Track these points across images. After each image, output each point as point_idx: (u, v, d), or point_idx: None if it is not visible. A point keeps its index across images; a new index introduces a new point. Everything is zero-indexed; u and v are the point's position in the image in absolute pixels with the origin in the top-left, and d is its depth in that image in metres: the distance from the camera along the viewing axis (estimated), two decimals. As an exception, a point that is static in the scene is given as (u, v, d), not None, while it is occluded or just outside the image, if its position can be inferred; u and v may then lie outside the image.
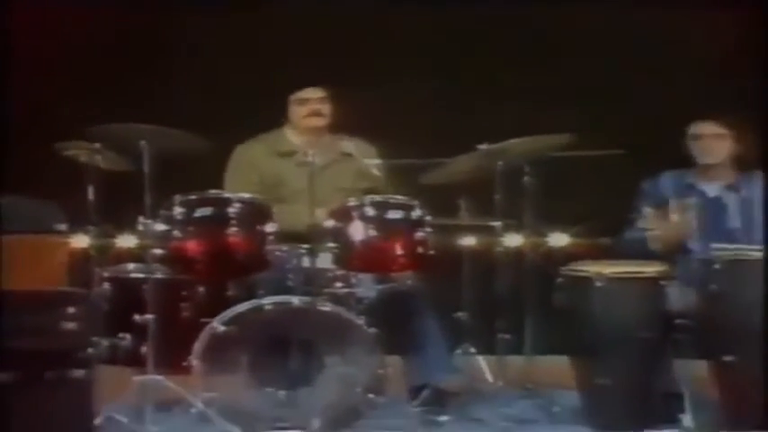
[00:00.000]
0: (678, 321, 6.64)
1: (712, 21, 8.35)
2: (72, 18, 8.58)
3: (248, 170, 7.37)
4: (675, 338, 6.66)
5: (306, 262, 6.76)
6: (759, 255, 6.58)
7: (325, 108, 7.37)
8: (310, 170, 6.96)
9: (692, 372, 6.69)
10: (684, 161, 7.14)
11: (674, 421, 6.53)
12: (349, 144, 7.33)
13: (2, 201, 6.03)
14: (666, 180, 7.10)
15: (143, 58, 8.59)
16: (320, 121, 7.35)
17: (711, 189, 7.06)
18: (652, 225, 6.88)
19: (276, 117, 7.47)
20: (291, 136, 7.42)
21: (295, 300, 6.56)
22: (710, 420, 6.56)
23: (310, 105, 7.35)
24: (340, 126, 7.41)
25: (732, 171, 7.08)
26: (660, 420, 6.56)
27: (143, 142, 6.70)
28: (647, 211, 6.91)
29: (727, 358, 6.42)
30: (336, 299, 6.68)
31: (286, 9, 8.60)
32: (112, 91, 8.26)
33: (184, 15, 8.58)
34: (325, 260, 6.75)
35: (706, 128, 7.03)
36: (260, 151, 7.42)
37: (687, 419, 6.52)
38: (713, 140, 7.02)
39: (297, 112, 7.38)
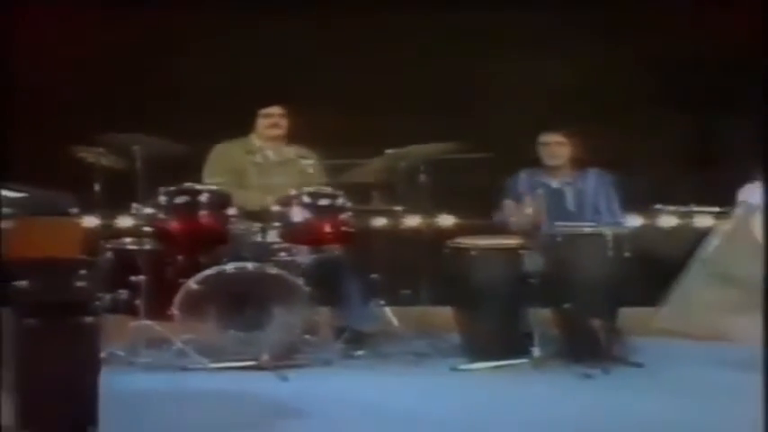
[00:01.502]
0: (531, 279, 6.69)
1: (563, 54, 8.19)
2: (74, 41, 8.23)
3: (222, 162, 7.33)
4: (528, 291, 6.70)
5: (258, 237, 6.92)
6: (589, 230, 6.77)
7: (283, 122, 7.37)
8: (264, 167, 7.27)
9: (540, 315, 6.76)
10: (535, 162, 7.19)
11: (527, 353, 6.63)
12: (293, 149, 7.38)
13: (28, 191, 5.62)
14: (522, 177, 7.16)
15: (138, 77, 8.34)
16: (278, 131, 7.37)
17: (555, 183, 7.14)
18: (510, 211, 6.95)
19: (248, 126, 7.40)
20: (256, 140, 7.40)
21: (249, 265, 6.68)
22: (553, 352, 6.69)
23: (271, 119, 7.37)
24: (291, 135, 7.40)
25: (570, 170, 7.16)
26: (517, 352, 6.65)
27: (136, 147, 6.80)
28: (508, 201, 7.00)
29: (566, 306, 6.63)
30: (281, 265, 6.77)
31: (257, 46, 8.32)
32: (112, 104, 8.06)
33: (171, 43, 8.31)
34: (272, 235, 6.89)
35: (551, 137, 7.15)
36: (232, 149, 7.39)
37: (536, 351, 6.62)
38: (556, 147, 7.13)
39: (261, 123, 7.38)
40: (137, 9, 8.14)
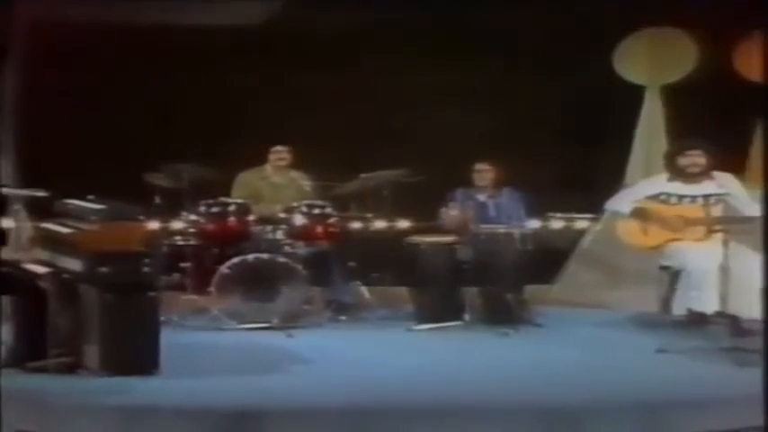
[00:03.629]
0: (463, 265, 6.67)
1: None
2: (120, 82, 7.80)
3: (244, 184, 7.20)
4: (461, 274, 6.66)
5: (270, 235, 6.83)
6: (503, 230, 6.68)
7: (286, 155, 7.23)
8: (274, 187, 7.23)
9: (470, 291, 6.74)
10: (469, 183, 7.10)
11: (460, 318, 6.62)
12: (295, 174, 7.27)
13: (108, 203, 5.67)
14: (459, 193, 7.01)
15: (184, 123, 7.90)
16: (283, 163, 7.24)
17: (481, 198, 7.02)
18: (449, 217, 6.83)
19: (260, 158, 7.30)
20: (268, 168, 7.28)
21: (264, 255, 6.62)
22: (479, 317, 6.66)
23: (278, 155, 7.24)
24: (292, 164, 7.28)
25: (492, 189, 7.03)
26: (453, 317, 6.62)
27: (184, 172, 6.84)
28: (448, 209, 6.86)
29: (490, 285, 6.61)
30: (286, 255, 6.69)
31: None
32: (168, 142, 7.58)
33: (208, 102, 7.89)
34: (279, 234, 6.82)
35: (481, 166, 7.04)
36: (251, 176, 7.25)
37: (467, 317, 6.64)
38: (484, 172, 7.02)
39: (271, 157, 7.25)
40: (190, 73, 7.91)
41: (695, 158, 6.39)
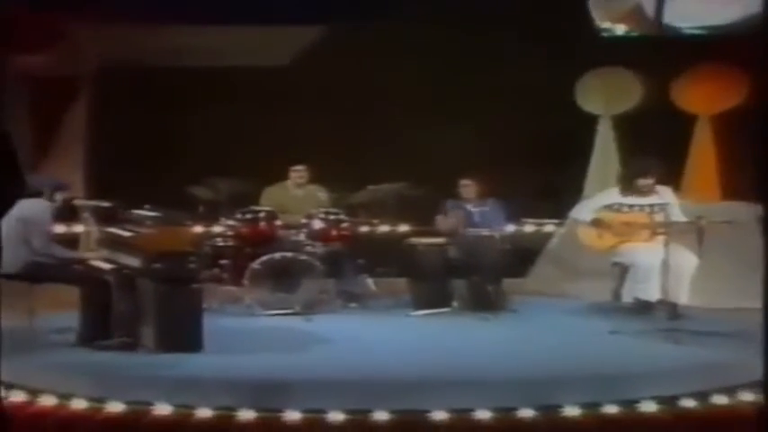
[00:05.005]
0: (453, 262, 6.63)
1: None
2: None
3: (271, 196, 7.10)
4: (451, 269, 6.63)
5: (293, 238, 6.78)
6: (486, 234, 6.58)
7: (305, 173, 7.14)
8: (295, 199, 7.11)
9: (458, 283, 6.62)
10: (458, 196, 6.93)
11: (449, 305, 6.58)
12: (313, 187, 7.18)
13: (161, 211, 5.75)
14: (450, 203, 6.87)
15: (223, 146, 7.81)
16: (302, 179, 7.15)
17: (468, 207, 6.87)
18: (442, 223, 6.79)
19: (284, 174, 7.21)
20: (290, 184, 7.19)
21: (288, 254, 6.55)
22: (465, 305, 6.59)
23: (298, 173, 7.15)
24: (310, 180, 7.19)
25: (477, 200, 6.88)
26: (444, 305, 6.53)
27: (222, 185, 6.79)
28: (441, 216, 6.80)
29: (475, 278, 6.54)
30: (306, 254, 6.61)
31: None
32: (211, 159, 7.57)
33: (245, 131, 7.82)
34: (301, 237, 6.76)
35: (465, 182, 6.89)
36: (276, 189, 7.16)
37: (455, 304, 6.58)
38: (468, 187, 6.90)
39: (292, 175, 7.17)
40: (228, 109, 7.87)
41: (646, 179, 6.38)
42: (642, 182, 6.37)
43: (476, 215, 6.88)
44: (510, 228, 6.98)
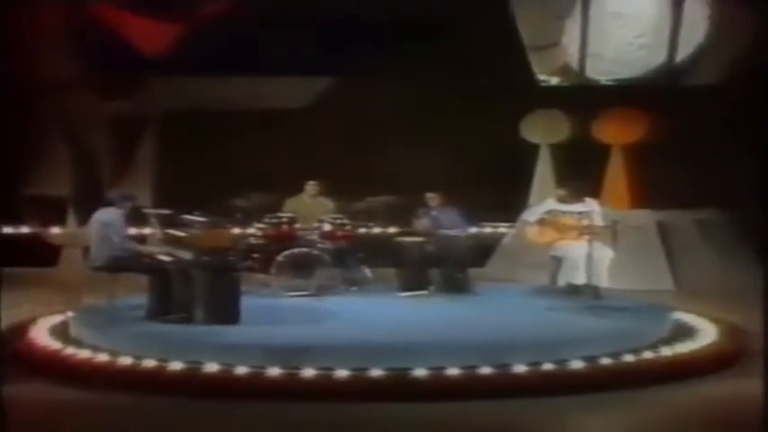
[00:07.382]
0: (430, 256, 6.33)
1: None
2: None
3: (291, 205, 6.87)
4: (428, 260, 6.35)
5: (308, 237, 6.64)
6: (453, 234, 6.39)
7: (317, 186, 6.95)
8: (309, 207, 6.92)
9: (433, 272, 6.51)
10: (424, 204, 6.71)
11: (427, 288, 6.44)
12: (323, 198, 7.00)
13: (208, 217, 5.74)
14: (422, 210, 6.62)
15: (252, 167, 7.74)
16: (315, 192, 6.95)
17: (435, 213, 6.61)
18: (418, 225, 6.55)
19: (301, 188, 7.03)
20: (304, 195, 6.98)
21: (305, 250, 6.46)
22: (438, 288, 6.44)
23: (312, 186, 6.97)
24: (320, 192, 6.99)
25: (441, 207, 6.61)
26: (422, 288, 6.40)
27: (254, 196, 6.63)
28: (416, 219, 6.62)
29: (446, 269, 6.44)
30: (319, 250, 6.50)
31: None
32: (246, 176, 7.29)
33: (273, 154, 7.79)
34: (314, 236, 6.64)
35: (430, 195, 6.65)
36: (294, 200, 6.94)
37: (431, 288, 6.48)
38: (432, 199, 6.63)
39: (307, 188, 6.97)
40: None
41: (574, 192, 6.41)
42: (572, 194, 6.41)
43: (442, 219, 6.72)
44: (472, 228, 6.92)
